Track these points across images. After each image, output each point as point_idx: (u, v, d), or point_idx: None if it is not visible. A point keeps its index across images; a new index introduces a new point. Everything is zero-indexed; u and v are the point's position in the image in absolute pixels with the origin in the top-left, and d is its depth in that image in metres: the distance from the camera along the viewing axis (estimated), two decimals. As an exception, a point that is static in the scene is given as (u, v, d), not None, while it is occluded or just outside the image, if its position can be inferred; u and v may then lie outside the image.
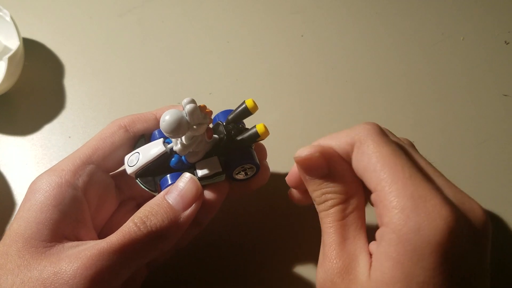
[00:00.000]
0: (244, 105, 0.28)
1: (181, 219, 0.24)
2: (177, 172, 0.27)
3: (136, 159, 0.27)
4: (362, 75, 0.44)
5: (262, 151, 0.31)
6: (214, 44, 0.46)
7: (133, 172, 0.27)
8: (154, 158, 0.26)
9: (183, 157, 0.27)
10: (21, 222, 0.23)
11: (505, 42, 0.46)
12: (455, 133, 0.40)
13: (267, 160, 0.32)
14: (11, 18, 0.40)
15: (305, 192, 0.28)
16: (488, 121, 0.41)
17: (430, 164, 0.25)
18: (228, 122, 0.28)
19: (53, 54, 0.44)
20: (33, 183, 0.25)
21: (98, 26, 0.47)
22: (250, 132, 0.27)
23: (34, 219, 0.23)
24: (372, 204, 0.29)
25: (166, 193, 0.25)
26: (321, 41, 0.46)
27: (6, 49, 0.41)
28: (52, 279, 0.21)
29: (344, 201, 0.24)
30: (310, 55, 0.45)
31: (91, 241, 0.23)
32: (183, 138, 0.25)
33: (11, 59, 0.38)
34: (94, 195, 0.26)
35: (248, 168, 0.28)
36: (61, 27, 0.46)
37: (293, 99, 0.42)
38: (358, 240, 0.23)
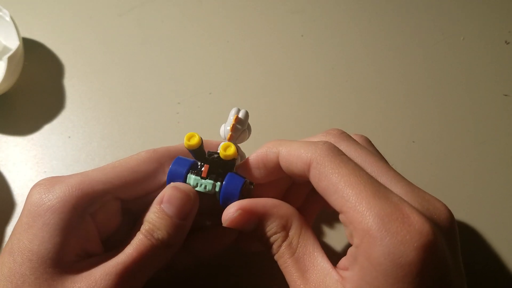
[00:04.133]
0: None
1: (182, 226, 0.25)
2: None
3: None
4: (362, 75, 0.44)
5: None
6: (214, 44, 0.46)
7: None
8: None
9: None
10: (35, 241, 0.23)
11: (506, 42, 0.46)
12: (455, 133, 0.40)
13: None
14: (11, 18, 0.40)
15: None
16: (488, 121, 0.41)
17: (389, 167, 0.25)
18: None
19: (53, 54, 0.44)
20: (42, 193, 0.24)
21: (98, 26, 0.47)
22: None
23: (49, 240, 0.23)
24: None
25: (161, 203, 0.25)
26: (321, 41, 0.46)
27: (5, 49, 0.41)
28: None
29: (286, 236, 0.24)
30: (310, 55, 0.45)
31: (107, 255, 0.24)
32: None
33: (10, 59, 0.38)
34: (102, 218, 0.25)
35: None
36: (61, 27, 0.46)
37: (293, 99, 0.42)
38: (318, 265, 0.23)
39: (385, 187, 0.22)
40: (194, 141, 0.25)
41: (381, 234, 0.19)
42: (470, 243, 0.35)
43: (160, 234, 0.24)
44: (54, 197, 0.23)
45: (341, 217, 0.22)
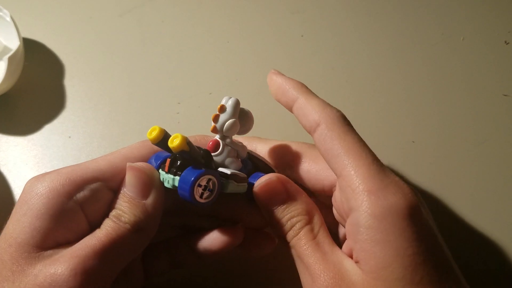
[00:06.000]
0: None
1: (148, 207, 0.24)
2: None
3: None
4: (361, 75, 0.44)
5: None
6: (214, 44, 0.46)
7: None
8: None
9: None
10: (16, 226, 0.23)
11: (505, 42, 0.46)
12: (455, 133, 0.40)
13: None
14: (11, 18, 0.40)
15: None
16: (488, 121, 0.41)
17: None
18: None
19: (53, 54, 0.44)
20: (33, 182, 0.24)
21: (98, 26, 0.47)
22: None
23: (29, 225, 0.23)
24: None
25: (124, 186, 0.25)
26: (321, 41, 0.46)
27: (6, 49, 0.41)
28: (48, 282, 0.21)
29: (310, 221, 0.25)
30: (310, 55, 0.45)
31: (81, 241, 0.23)
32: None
33: (11, 59, 0.38)
34: (93, 209, 0.25)
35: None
36: (61, 27, 0.46)
37: (293, 99, 0.42)
38: (335, 251, 0.24)
39: (379, 161, 0.24)
40: (153, 135, 0.24)
41: (382, 193, 0.22)
42: (471, 243, 0.35)
43: (127, 217, 0.24)
44: (42, 185, 0.24)
45: (339, 181, 0.24)
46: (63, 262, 0.22)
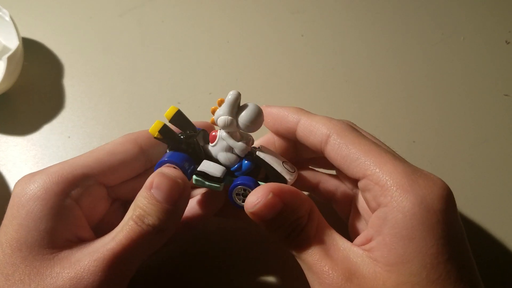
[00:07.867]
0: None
1: (173, 211, 0.24)
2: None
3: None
4: (361, 75, 0.44)
5: None
6: (214, 44, 0.46)
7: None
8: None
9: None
10: (20, 230, 0.23)
11: (506, 41, 0.46)
12: (456, 133, 0.40)
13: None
14: (11, 17, 0.40)
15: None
16: (488, 121, 0.41)
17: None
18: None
19: (52, 54, 0.44)
20: (24, 184, 0.24)
21: (98, 26, 0.47)
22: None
23: (34, 227, 0.23)
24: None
25: (151, 187, 0.24)
26: (321, 41, 0.46)
27: (5, 48, 0.41)
28: (69, 285, 0.22)
29: (308, 220, 0.24)
30: (310, 55, 0.45)
31: (97, 242, 0.24)
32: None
33: (10, 59, 0.38)
34: (87, 204, 0.26)
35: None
36: (61, 27, 0.46)
37: (292, 99, 0.42)
38: (337, 244, 0.23)
39: (402, 157, 0.24)
40: (167, 112, 0.27)
41: (412, 187, 0.21)
42: (471, 242, 0.35)
43: (151, 220, 0.23)
44: (35, 186, 0.24)
45: (362, 182, 0.24)
46: (83, 267, 0.22)
